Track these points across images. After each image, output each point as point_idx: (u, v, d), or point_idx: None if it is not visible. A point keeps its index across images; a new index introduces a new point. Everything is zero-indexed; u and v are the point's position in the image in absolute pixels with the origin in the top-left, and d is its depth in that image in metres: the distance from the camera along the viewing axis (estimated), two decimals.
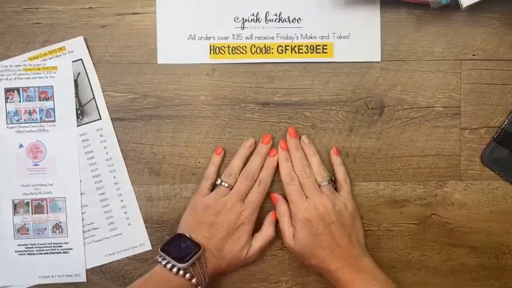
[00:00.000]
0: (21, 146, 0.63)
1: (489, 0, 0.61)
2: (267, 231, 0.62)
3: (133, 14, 0.63)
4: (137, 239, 0.64)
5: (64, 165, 0.63)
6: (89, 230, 0.64)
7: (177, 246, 0.57)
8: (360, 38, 0.63)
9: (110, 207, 0.64)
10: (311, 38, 0.63)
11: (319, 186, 0.61)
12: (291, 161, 0.62)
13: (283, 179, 0.61)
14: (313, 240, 0.59)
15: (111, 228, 0.64)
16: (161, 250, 0.58)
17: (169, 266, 0.56)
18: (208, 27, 0.63)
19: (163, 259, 0.57)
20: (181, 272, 0.56)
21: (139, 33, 0.63)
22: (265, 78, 0.64)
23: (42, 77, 0.63)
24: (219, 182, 0.61)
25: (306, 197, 0.60)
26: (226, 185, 0.61)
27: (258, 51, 0.63)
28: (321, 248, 0.59)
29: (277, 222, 0.62)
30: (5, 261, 0.63)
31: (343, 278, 0.57)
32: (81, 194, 0.63)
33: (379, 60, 0.63)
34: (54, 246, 0.63)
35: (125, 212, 0.64)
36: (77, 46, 0.63)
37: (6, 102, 0.63)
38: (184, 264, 0.55)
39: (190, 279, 0.56)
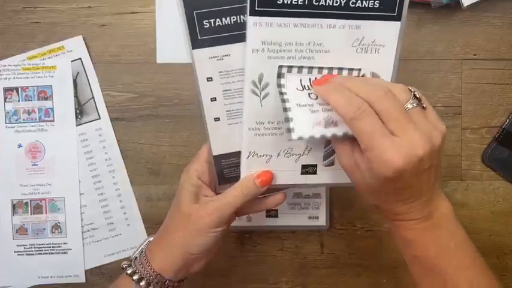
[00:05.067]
0: (20, 145, 0.63)
1: (490, 0, 0.61)
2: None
3: (133, 13, 0.63)
4: (136, 240, 0.64)
5: (63, 165, 0.63)
6: (88, 231, 0.63)
7: None
8: None
9: (109, 207, 0.64)
10: None
11: None
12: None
13: (344, 113, 0.40)
14: (394, 195, 0.43)
15: (110, 228, 0.64)
16: None
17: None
18: None
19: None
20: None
21: (139, 33, 0.63)
22: None
23: (41, 77, 0.62)
24: None
25: (393, 134, 0.40)
26: None
27: None
28: (399, 201, 0.43)
29: None
30: (4, 262, 0.63)
31: (412, 233, 0.44)
32: (80, 194, 0.63)
33: None
34: (53, 247, 0.63)
35: (124, 213, 0.64)
36: (76, 45, 0.62)
37: (5, 101, 0.62)
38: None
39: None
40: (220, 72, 0.47)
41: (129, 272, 0.49)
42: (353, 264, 0.65)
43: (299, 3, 0.44)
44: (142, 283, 0.48)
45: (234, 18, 0.46)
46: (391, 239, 0.64)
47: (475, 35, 0.63)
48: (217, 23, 0.46)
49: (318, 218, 0.64)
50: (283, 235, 0.65)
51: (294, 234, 0.65)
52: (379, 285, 0.65)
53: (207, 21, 0.46)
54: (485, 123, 0.64)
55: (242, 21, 0.46)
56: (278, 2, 0.43)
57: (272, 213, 0.64)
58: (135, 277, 0.48)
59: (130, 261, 0.51)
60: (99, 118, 0.63)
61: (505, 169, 0.63)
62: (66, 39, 0.62)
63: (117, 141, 0.63)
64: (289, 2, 0.43)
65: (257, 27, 0.44)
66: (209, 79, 0.48)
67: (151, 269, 0.49)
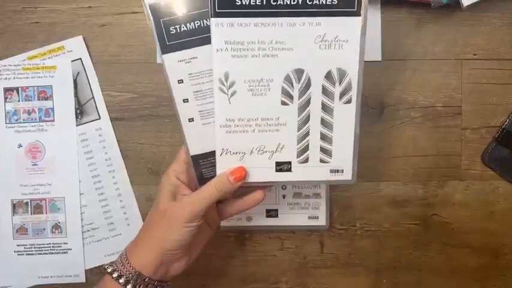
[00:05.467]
0: (20, 145, 0.63)
1: (490, 0, 0.61)
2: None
3: (133, 13, 0.63)
4: None
5: (63, 165, 0.63)
6: (88, 230, 0.63)
7: None
8: None
9: (109, 207, 0.64)
10: None
11: None
12: None
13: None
14: None
15: (110, 228, 0.64)
16: None
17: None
18: None
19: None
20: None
21: (139, 33, 0.63)
22: None
23: (41, 77, 0.62)
24: None
25: None
26: None
27: None
28: None
29: None
30: (4, 262, 0.63)
31: None
32: (80, 194, 0.63)
33: (379, 59, 0.63)
34: (53, 247, 0.63)
35: (124, 213, 0.64)
36: (76, 45, 0.62)
37: (5, 101, 0.62)
38: None
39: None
40: (190, 74, 0.50)
41: (109, 270, 0.50)
42: (353, 264, 0.65)
43: (257, 3, 0.46)
44: (122, 280, 0.48)
45: (198, 23, 0.49)
46: (391, 239, 0.64)
47: (475, 35, 0.63)
48: (182, 29, 0.50)
49: (318, 218, 0.64)
50: (283, 235, 0.65)
51: (294, 234, 0.65)
52: (379, 285, 0.65)
53: (173, 27, 0.50)
54: (485, 123, 0.64)
55: (205, 25, 0.49)
56: (237, 3, 0.46)
57: (272, 213, 0.64)
58: (115, 275, 0.49)
59: (111, 263, 0.51)
60: (99, 118, 0.63)
61: (505, 169, 0.63)
62: (66, 39, 0.62)
63: (117, 141, 0.63)
64: (247, 3, 0.46)
65: (219, 27, 0.47)
66: (180, 81, 0.51)
67: (130, 266, 0.49)
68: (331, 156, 0.51)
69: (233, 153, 0.50)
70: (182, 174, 0.52)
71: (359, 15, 0.47)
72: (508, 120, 0.63)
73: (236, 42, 0.47)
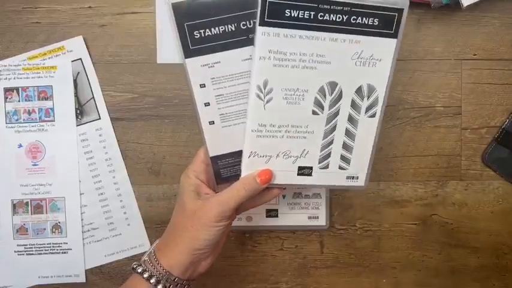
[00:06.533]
0: (20, 145, 0.63)
1: (490, 0, 0.61)
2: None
3: (133, 13, 0.63)
4: (136, 240, 0.64)
5: (63, 165, 0.63)
6: (88, 230, 0.63)
7: None
8: None
9: (109, 207, 0.64)
10: None
11: None
12: None
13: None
14: None
15: (110, 228, 0.64)
16: None
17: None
18: None
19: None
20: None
21: (139, 33, 0.63)
22: None
23: (42, 77, 0.62)
24: None
25: None
26: None
27: None
28: None
29: None
30: (4, 262, 0.63)
31: None
32: (81, 194, 0.63)
33: None
34: (53, 247, 0.63)
35: (124, 212, 0.64)
36: (76, 46, 0.63)
37: (5, 101, 0.62)
38: None
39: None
40: (212, 78, 0.50)
41: (139, 270, 0.50)
42: (353, 264, 0.65)
43: (305, 17, 0.47)
44: (153, 280, 0.49)
45: (222, 28, 0.49)
46: (391, 239, 0.64)
47: (475, 35, 0.63)
48: (207, 33, 0.49)
49: (318, 218, 0.64)
50: (283, 235, 0.65)
51: (294, 234, 0.65)
52: (378, 285, 0.65)
53: (197, 32, 0.49)
54: (484, 123, 0.64)
55: (230, 30, 0.49)
56: (286, 14, 0.47)
57: (272, 213, 0.64)
58: (145, 275, 0.49)
59: (140, 263, 0.52)
60: (100, 118, 0.63)
61: (505, 169, 0.63)
62: (66, 39, 0.62)
63: (117, 141, 0.63)
64: (296, 16, 0.47)
65: (265, 36, 0.47)
66: (202, 85, 0.51)
67: (160, 266, 0.50)
68: (349, 164, 0.53)
69: (260, 156, 0.51)
70: (202, 174, 0.53)
71: (396, 37, 0.49)
72: (507, 120, 0.63)
73: (279, 52, 0.48)
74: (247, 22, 0.49)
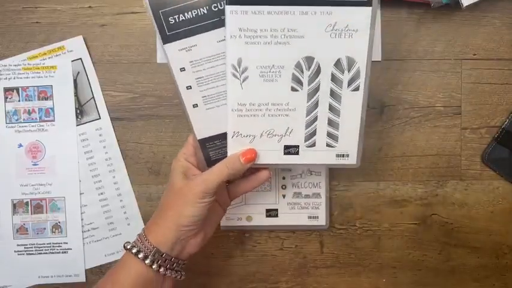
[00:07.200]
0: (20, 145, 0.63)
1: (490, 0, 0.61)
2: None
3: (133, 13, 0.63)
4: None
5: (63, 165, 0.63)
6: (88, 230, 0.64)
7: None
8: None
9: (109, 207, 0.64)
10: None
11: None
12: None
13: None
14: None
15: (110, 228, 0.64)
16: None
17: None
18: None
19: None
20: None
21: (139, 33, 0.63)
22: None
23: (42, 77, 0.62)
24: None
25: None
26: None
27: None
28: None
29: None
30: (4, 261, 0.63)
31: None
32: (81, 193, 0.63)
33: (379, 59, 0.63)
34: (53, 246, 0.63)
35: (124, 212, 0.64)
36: (76, 45, 0.63)
37: (5, 101, 0.63)
38: None
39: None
40: (191, 62, 0.53)
41: (128, 247, 0.52)
42: (353, 264, 0.65)
43: None
44: (141, 255, 0.51)
45: (195, 12, 0.51)
46: (390, 238, 0.64)
47: (475, 34, 0.63)
48: (181, 18, 0.52)
49: (317, 217, 0.64)
50: (283, 235, 0.65)
51: (294, 234, 0.65)
52: (378, 285, 0.65)
53: (172, 17, 0.52)
54: (484, 123, 0.64)
55: (202, 13, 0.51)
56: None
57: (272, 213, 0.64)
58: (134, 250, 0.51)
59: (131, 242, 0.54)
60: (100, 118, 0.63)
61: (505, 169, 0.63)
62: (66, 39, 0.62)
63: (117, 141, 0.63)
64: None
65: (233, 14, 0.48)
66: (182, 69, 0.53)
67: (148, 242, 0.51)
68: (337, 141, 0.53)
69: (244, 136, 0.52)
70: (191, 157, 0.54)
71: (370, 5, 0.49)
72: (507, 120, 0.63)
73: (249, 29, 0.48)
74: (218, 4, 0.51)
